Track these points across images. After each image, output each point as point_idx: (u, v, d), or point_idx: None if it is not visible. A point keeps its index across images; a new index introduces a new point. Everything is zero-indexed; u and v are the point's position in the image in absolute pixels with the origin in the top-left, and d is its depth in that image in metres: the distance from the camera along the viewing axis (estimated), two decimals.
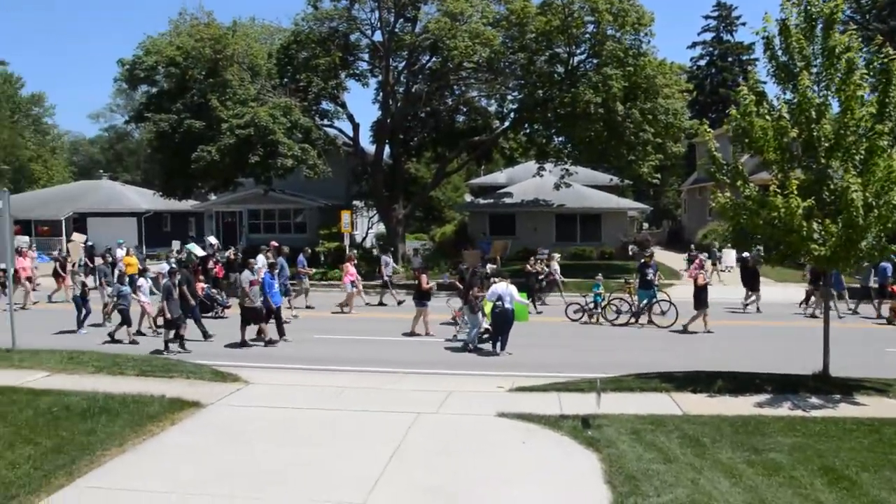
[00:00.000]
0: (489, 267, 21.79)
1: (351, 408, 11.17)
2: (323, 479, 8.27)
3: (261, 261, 21.21)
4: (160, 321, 17.28)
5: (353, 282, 22.79)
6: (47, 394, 11.60)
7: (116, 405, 10.82)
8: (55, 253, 28.52)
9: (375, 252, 35.43)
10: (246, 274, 17.18)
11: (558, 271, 25.15)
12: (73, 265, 23.96)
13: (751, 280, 22.62)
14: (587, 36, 30.35)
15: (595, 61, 30.49)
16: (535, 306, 22.43)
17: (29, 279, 24.24)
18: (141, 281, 18.34)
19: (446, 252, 37.16)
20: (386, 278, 25.15)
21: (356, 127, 35.13)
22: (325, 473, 8.44)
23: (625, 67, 28.91)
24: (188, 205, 43.28)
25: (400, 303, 23.88)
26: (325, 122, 35.17)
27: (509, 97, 34.92)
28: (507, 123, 35.80)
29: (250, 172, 30.89)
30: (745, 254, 22.06)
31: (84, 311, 19.01)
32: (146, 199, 48.36)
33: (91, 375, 13.10)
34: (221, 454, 9.14)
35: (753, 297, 22.58)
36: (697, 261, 23.09)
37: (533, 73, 30.90)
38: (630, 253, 37.55)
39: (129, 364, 13.79)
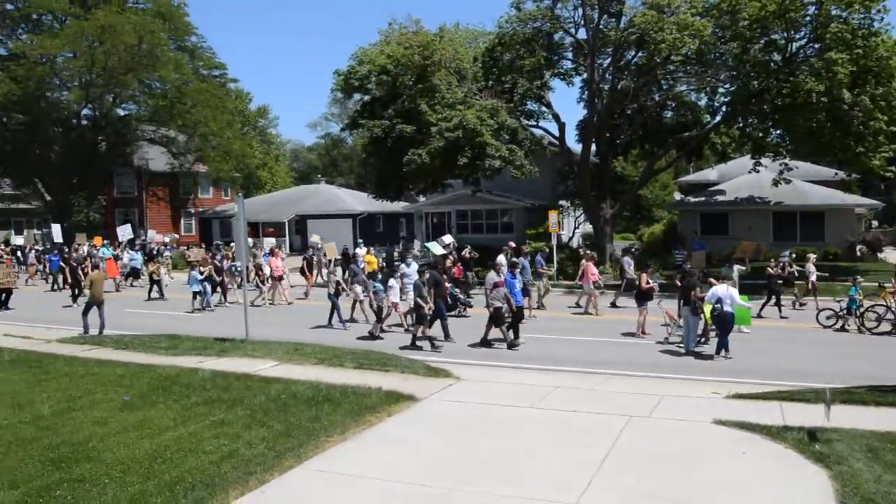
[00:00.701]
0: (736, 268, 20.50)
1: (562, 408, 11.08)
2: (534, 476, 8.27)
3: (501, 261, 20.74)
4: (409, 319, 18.00)
5: (595, 282, 22.27)
6: (277, 381, 12.52)
7: (338, 395, 11.45)
8: (308, 253, 29.59)
9: (582, 252, 35.08)
10: (491, 275, 16.85)
11: (814, 273, 22.75)
12: (329, 264, 25.12)
13: None
14: (807, 19, 28.18)
15: (817, 46, 28.22)
16: (780, 310, 21.16)
17: (280, 277, 25.63)
18: (392, 281, 18.53)
19: (655, 252, 36.10)
20: (628, 279, 24.42)
21: (562, 126, 34.98)
22: (537, 472, 8.43)
23: (852, 50, 26.48)
24: (399, 206, 45.09)
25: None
26: (531, 122, 35.29)
27: (721, 90, 33.21)
28: (718, 117, 34.08)
29: (459, 174, 31.64)
30: None
31: (337, 308, 19.78)
32: (360, 202, 50.93)
33: (314, 366, 13.95)
34: (435, 447, 9.40)
35: None
36: None
37: (746, 63, 29.19)
38: (858, 254, 34.61)
39: (347, 357, 14.54)
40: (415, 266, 19.95)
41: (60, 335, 18.82)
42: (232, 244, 34.68)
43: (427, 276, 17.25)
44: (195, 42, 53.59)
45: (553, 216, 31.10)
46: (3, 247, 34.60)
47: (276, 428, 9.94)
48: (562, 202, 39.53)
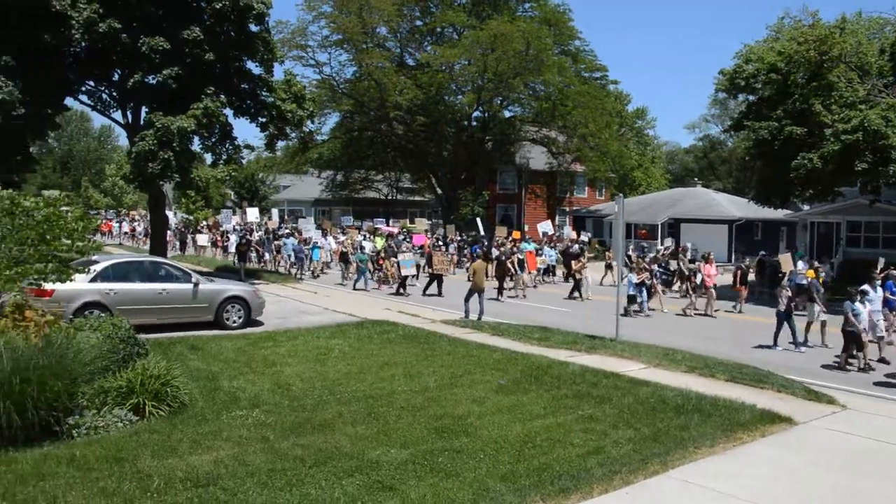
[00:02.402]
0: None
1: None
2: None
3: None
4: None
5: None
6: (645, 384, 12.42)
7: (708, 406, 11.01)
8: (741, 262, 26.83)
9: None
10: None
11: None
12: (783, 278, 21.95)
13: None
14: None
15: None
16: None
17: (714, 286, 23.40)
18: (857, 306, 15.55)
19: None
20: None
21: None
22: None
23: None
24: (780, 213, 42.17)
25: None
26: None
27: None
28: None
29: (855, 181, 28.69)
30: None
31: (788, 329, 17.59)
32: (738, 207, 48.52)
33: (683, 374, 13.56)
34: (812, 477, 8.64)
35: None
36: None
37: None
38: None
39: (719, 368, 13.91)
40: (879, 291, 17.21)
41: (444, 317, 20.60)
42: (662, 247, 34.01)
43: None
44: (578, 45, 55.30)
45: None
46: (433, 237, 37.19)
47: (642, 431, 9.86)
48: None
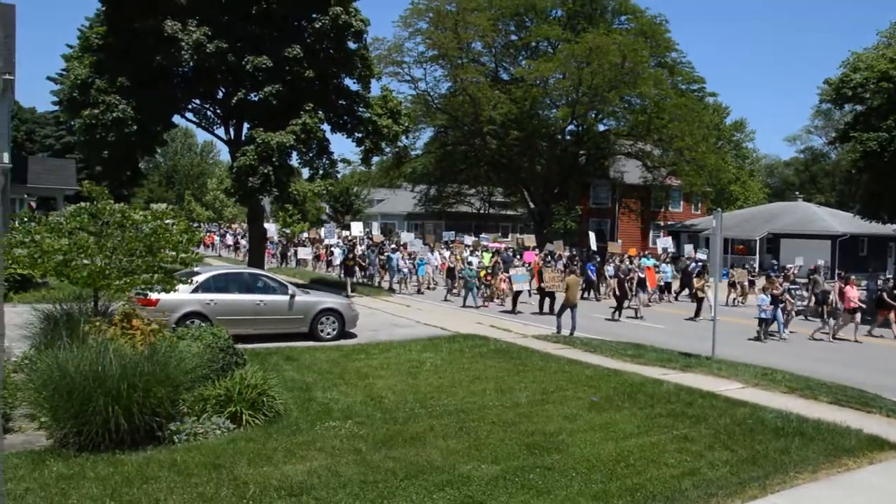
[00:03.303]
0: None
1: None
2: None
3: None
4: None
5: None
6: (743, 405, 12.02)
7: (810, 430, 10.57)
8: (884, 282, 24.59)
9: None
10: None
11: None
12: None
13: None
14: None
15: None
16: None
17: (854, 310, 21.64)
18: None
19: None
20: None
21: None
22: None
23: None
24: (889, 229, 40.32)
25: None
26: None
27: None
28: None
29: None
30: None
31: None
32: (841, 222, 46.63)
33: (783, 395, 13.07)
34: None
35: None
36: None
37: None
38: None
39: (822, 390, 13.35)
40: None
41: (535, 332, 20.45)
42: (793, 266, 32.42)
43: None
44: (675, 57, 54.45)
45: None
46: (538, 252, 36.38)
47: (740, 453, 9.54)
48: None
